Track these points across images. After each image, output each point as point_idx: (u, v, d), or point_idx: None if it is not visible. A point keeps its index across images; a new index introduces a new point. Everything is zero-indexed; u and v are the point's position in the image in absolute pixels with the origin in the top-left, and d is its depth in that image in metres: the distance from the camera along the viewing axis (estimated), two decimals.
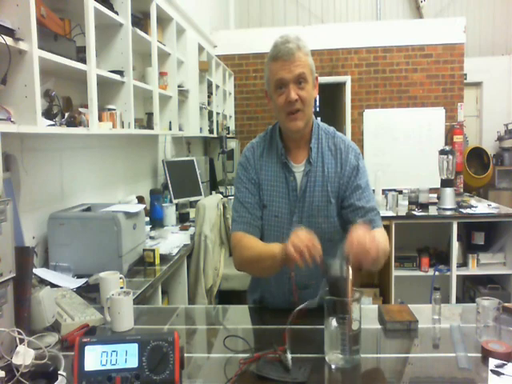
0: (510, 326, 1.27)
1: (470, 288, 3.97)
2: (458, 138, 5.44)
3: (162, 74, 3.15)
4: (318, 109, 8.69)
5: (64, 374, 1.02)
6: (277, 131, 1.50)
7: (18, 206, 1.80)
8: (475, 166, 6.53)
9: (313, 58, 1.41)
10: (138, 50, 2.80)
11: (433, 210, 3.81)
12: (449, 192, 3.78)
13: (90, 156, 2.50)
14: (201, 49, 4.20)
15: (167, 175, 3.37)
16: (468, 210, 3.70)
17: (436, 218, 3.75)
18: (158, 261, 2.13)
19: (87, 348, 0.95)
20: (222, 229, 3.14)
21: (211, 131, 4.56)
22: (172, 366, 0.96)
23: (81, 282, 1.79)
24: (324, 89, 4.77)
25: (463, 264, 3.82)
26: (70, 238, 1.89)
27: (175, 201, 3.32)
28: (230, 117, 5.80)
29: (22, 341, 1.07)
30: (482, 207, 3.79)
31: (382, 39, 5.78)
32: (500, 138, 7.12)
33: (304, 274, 1.45)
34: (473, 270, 3.80)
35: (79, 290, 1.70)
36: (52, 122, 1.71)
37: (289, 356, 1.05)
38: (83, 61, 1.88)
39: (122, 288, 1.48)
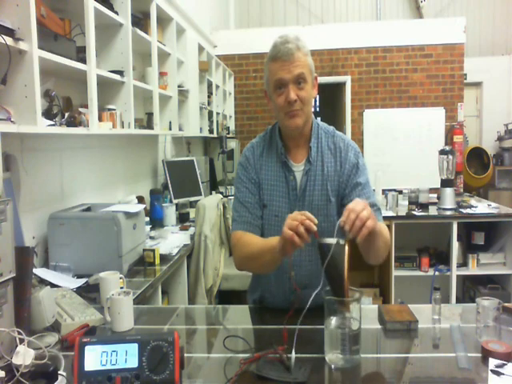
0: (510, 325, 1.27)
1: (470, 288, 3.97)
2: (457, 138, 5.44)
3: (161, 74, 3.15)
4: (317, 109, 8.70)
5: (64, 373, 1.02)
6: (276, 131, 1.50)
7: (18, 205, 1.80)
8: (475, 166, 6.53)
9: (313, 58, 1.42)
10: (138, 50, 2.80)
11: (433, 210, 3.81)
12: (449, 192, 3.78)
13: (89, 156, 2.50)
14: (201, 49, 4.20)
15: (167, 175, 3.37)
16: (468, 210, 3.70)
17: (436, 218, 3.75)
18: (157, 261, 2.13)
19: (87, 348, 0.95)
20: (222, 229, 3.14)
21: (211, 131, 4.56)
22: (172, 366, 0.96)
23: (81, 281, 1.79)
24: (324, 89, 4.78)
25: (463, 264, 3.82)
26: (70, 238, 1.89)
27: (175, 201, 3.32)
28: (230, 117, 5.80)
29: (21, 341, 1.07)
30: (481, 207, 3.80)
31: (382, 39, 5.78)
32: (500, 138, 7.12)
33: (304, 274, 1.45)
34: (473, 269, 3.80)
35: (79, 290, 1.70)
36: (52, 122, 1.71)
37: (293, 355, 1.05)
38: (83, 61, 1.88)
39: (122, 288, 1.48)
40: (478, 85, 7.30)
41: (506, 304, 1.35)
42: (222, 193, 4.22)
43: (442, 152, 3.83)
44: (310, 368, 1.05)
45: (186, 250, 2.54)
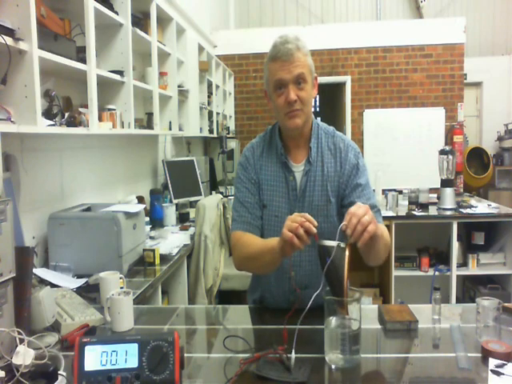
0: (510, 326, 1.27)
1: (470, 288, 3.97)
2: (458, 138, 5.44)
3: (161, 74, 3.15)
4: (317, 109, 8.70)
5: (64, 373, 1.02)
6: (276, 131, 1.50)
7: (18, 205, 1.80)
8: (475, 166, 6.53)
9: (313, 58, 1.42)
10: (138, 49, 2.80)
11: (433, 210, 3.81)
12: (449, 192, 3.78)
13: (89, 156, 2.50)
14: (201, 49, 4.20)
15: (167, 175, 3.37)
16: (468, 210, 3.70)
17: (436, 218, 3.75)
18: (158, 261, 2.13)
19: (87, 348, 0.95)
20: (222, 229, 3.14)
21: (211, 131, 4.56)
22: (172, 366, 0.96)
23: (81, 281, 1.79)
24: (324, 89, 4.78)
25: (463, 264, 3.82)
26: (70, 238, 1.89)
27: (175, 201, 3.32)
28: (230, 117, 5.80)
29: (22, 341, 1.07)
30: (481, 207, 3.80)
31: (382, 39, 5.78)
32: (500, 138, 7.12)
33: (304, 274, 1.45)
34: (473, 269, 3.80)
35: (79, 290, 1.70)
36: (52, 122, 1.71)
37: (293, 355, 1.05)
38: (83, 61, 1.88)
39: (122, 288, 1.48)
40: (478, 85, 7.30)
41: (506, 304, 1.35)
42: (222, 193, 4.22)
43: (442, 152, 3.83)
44: (310, 368, 1.05)
45: (186, 250, 2.54)
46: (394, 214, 3.77)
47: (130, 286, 1.73)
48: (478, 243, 3.87)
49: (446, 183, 3.80)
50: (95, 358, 0.95)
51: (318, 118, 1.56)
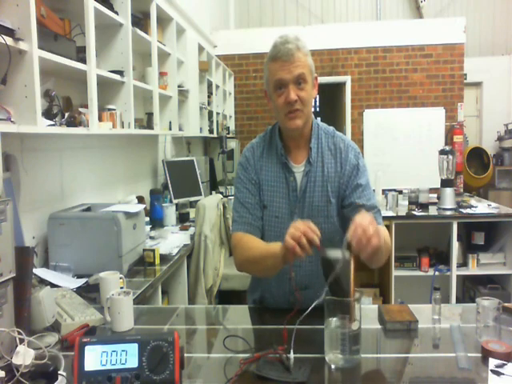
0: (510, 326, 1.27)
1: (470, 288, 3.97)
2: (457, 138, 5.44)
3: (161, 74, 3.15)
4: (317, 109, 8.70)
5: (64, 373, 1.02)
6: (276, 131, 1.50)
7: (18, 205, 1.80)
8: (475, 166, 6.53)
9: (313, 58, 1.41)
10: (138, 49, 2.80)
11: (433, 210, 3.81)
12: (449, 192, 3.78)
13: (89, 156, 2.50)
14: (201, 49, 4.20)
15: (167, 175, 3.37)
16: (468, 210, 3.70)
17: (436, 218, 3.75)
18: (158, 261, 2.13)
19: (87, 348, 0.95)
20: (222, 229, 3.14)
21: (211, 131, 4.56)
22: (172, 366, 0.96)
23: (81, 281, 1.79)
24: (324, 89, 4.78)
25: (463, 264, 3.82)
26: (70, 238, 1.89)
27: (175, 201, 3.32)
28: (230, 117, 5.80)
29: (22, 341, 1.07)
30: (481, 207, 3.80)
31: (382, 39, 5.78)
32: (500, 138, 7.12)
33: (304, 274, 1.45)
34: (473, 269, 3.80)
35: (79, 290, 1.70)
36: (52, 122, 1.71)
37: (291, 356, 1.05)
38: (83, 61, 1.88)
39: (122, 288, 1.48)
40: (478, 85, 7.30)
41: (506, 304, 1.35)
42: (222, 193, 4.22)
43: (442, 152, 3.83)
44: (310, 368, 1.05)
45: (186, 250, 2.54)
46: (394, 214, 3.77)
47: (130, 286, 1.72)
48: (478, 243, 3.87)
49: (445, 183, 3.80)
50: (95, 357, 0.95)
51: (318, 118, 1.56)
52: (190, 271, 2.71)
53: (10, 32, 1.40)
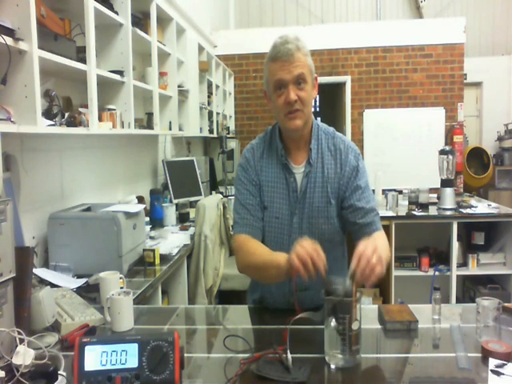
0: (510, 326, 1.27)
1: (470, 288, 3.97)
2: (457, 138, 5.44)
3: (161, 74, 3.15)
4: (317, 109, 8.70)
5: (64, 373, 1.02)
6: (276, 132, 1.50)
7: (18, 205, 1.80)
8: (475, 166, 6.53)
9: (313, 58, 1.41)
10: (138, 49, 2.80)
11: (433, 210, 3.81)
12: (449, 192, 3.78)
13: (89, 156, 2.50)
14: (201, 49, 4.20)
15: (167, 175, 3.37)
16: (468, 210, 3.70)
17: (436, 218, 3.75)
18: (158, 261, 2.13)
19: (87, 348, 0.95)
20: (222, 229, 3.14)
21: (211, 131, 4.56)
22: (172, 366, 0.96)
23: (81, 281, 1.79)
24: (324, 89, 4.78)
25: (463, 264, 3.82)
26: (69, 238, 1.89)
27: (175, 201, 3.32)
28: (230, 117, 5.80)
29: (22, 341, 1.07)
30: (481, 207, 3.80)
31: (382, 39, 5.78)
32: (500, 138, 7.12)
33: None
34: (473, 270, 3.80)
35: (79, 290, 1.70)
36: (52, 122, 1.71)
37: (289, 356, 1.05)
38: (83, 61, 1.88)
39: (122, 288, 1.48)
40: (478, 85, 7.30)
41: (506, 304, 1.35)
42: (222, 193, 4.22)
43: (442, 152, 3.83)
44: (310, 368, 1.05)
45: (186, 250, 2.54)
46: (394, 214, 3.77)
47: (129, 286, 1.73)
48: (478, 243, 3.87)
49: (445, 183, 3.80)
50: (95, 358, 0.95)
51: (318, 118, 1.57)
52: (190, 271, 2.71)
53: (10, 32, 1.40)
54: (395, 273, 3.78)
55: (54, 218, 1.92)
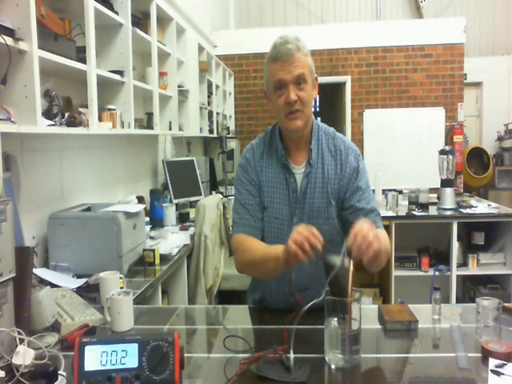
0: (510, 326, 1.27)
1: (470, 288, 3.97)
2: (458, 138, 5.44)
3: (161, 74, 3.15)
4: (317, 109, 8.70)
5: (64, 373, 1.02)
6: (276, 132, 1.50)
7: (18, 205, 1.80)
8: (475, 166, 6.53)
9: (313, 58, 1.41)
10: (138, 49, 2.80)
11: (433, 210, 3.81)
12: (449, 192, 3.78)
13: (89, 156, 2.50)
14: (201, 49, 4.20)
15: (167, 175, 3.37)
16: (468, 210, 3.70)
17: (436, 218, 3.75)
18: (157, 261, 2.13)
19: (87, 348, 0.95)
20: (222, 229, 3.14)
21: (211, 131, 4.56)
22: (172, 366, 0.96)
23: (81, 281, 1.79)
24: (324, 89, 4.77)
25: (463, 264, 3.82)
26: (69, 238, 1.89)
27: (175, 201, 3.32)
28: (230, 117, 5.80)
29: (22, 341, 1.07)
30: (481, 207, 3.80)
31: (382, 39, 5.78)
32: (500, 138, 7.12)
33: (305, 276, 1.45)
34: (473, 269, 3.80)
35: (79, 290, 1.70)
36: (52, 122, 1.71)
37: (291, 356, 1.05)
38: (83, 61, 1.88)
39: (122, 288, 1.48)
40: (478, 85, 7.30)
41: (506, 304, 1.35)
42: (221, 193, 4.22)
43: (442, 152, 3.83)
44: (310, 368, 1.05)
45: (186, 250, 2.54)
46: (394, 214, 3.76)
47: (129, 286, 1.73)
48: (478, 243, 3.87)
49: (445, 183, 3.80)
50: (95, 357, 0.95)
51: (318, 118, 1.57)
52: (190, 271, 2.71)
53: (10, 32, 1.40)
54: (395, 273, 3.78)
55: (54, 217, 1.92)
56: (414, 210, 3.79)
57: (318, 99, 8.64)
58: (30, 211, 1.90)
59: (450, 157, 3.76)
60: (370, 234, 1.10)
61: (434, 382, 1.06)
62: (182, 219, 3.14)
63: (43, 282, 1.63)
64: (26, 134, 1.72)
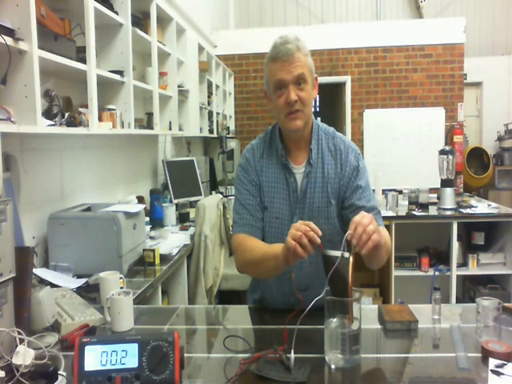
0: (510, 326, 1.27)
1: (470, 288, 3.97)
2: (458, 138, 5.44)
3: (161, 74, 3.15)
4: (317, 109, 8.70)
5: (64, 373, 1.02)
6: (276, 132, 1.50)
7: (18, 205, 1.80)
8: (475, 166, 6.53)
9: (313, 58, 1.41)
10: (138, 49, 2.80)
11: (433, 210, 3.81)
12: (449, 192, 3.78)
13: (89, 156, 2.50)
14: (201, 49, 4.20)
15: (167, 175, 3.37)
16: (468, 210, 3.70)
17: (436, 218, 3.75)
18: (158, 261, 2.13)
19: (87, 348, 0.95)
20: (222, 229, 3.14)
21: (211, 131, 4.56)
22: (172, 366, 0.96)
23: (81, 281, 1.79)
24: (324, 89, 4.78)
25: (463, 264, 3.82)
26: (69, 238, 1.89)
27: (175, 201, 3.32)
28: (230, 117, 5.80)
29: (22, 341, 1.07)
30: (481, 207, 3.80)
31: (382, 39, 5.78)
32: (500, 138, 7.12)
33: (305, 275, 1.45)
34: (473, 269, 3.80)
35: (79, 290, 1.70)
36: (52, 122, 1.71)
37: (292, 356, 1.05)
38: (83, 61, 1.88)
39: (122, 288, 1.48)
40: (478, 85, 7.30)
41: (506, 304, 1.35)
42: (221, 193, 4.22)
43: (442, 152, 3.83)
44: (310, 368, 1.05)
45: (186, 250, 2.54)
46: (394, 214, 3.77)
47: (129, 286, 1.73)
48: (478, 243, 3.87)
49: (445, 183, 3.80)
50: (95, 357, 0.95)
51: (318, 118, 1.57)
52: (190, 271, 2.71)
53: (10, 32, 1.40)
54: (395, 273, 3.78)
55: (54, 217, 1.92)
56: (413, 210, 3.79)
57: (318, 99, 8.64)
58: (29, 211, 1.90)
59: (450, 157, 3.76)
60: (370, 226, 1.10)
61: (433, 381, 1.06)
62: (182, 219, 3.14)
63: (43, 282, 1.63)
64: (26, 134, 1.72)
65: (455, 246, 3.68)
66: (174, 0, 3.47)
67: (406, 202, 3.92)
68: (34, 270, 1.66)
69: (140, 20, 2.71)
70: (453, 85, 5.72)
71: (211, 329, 1.45)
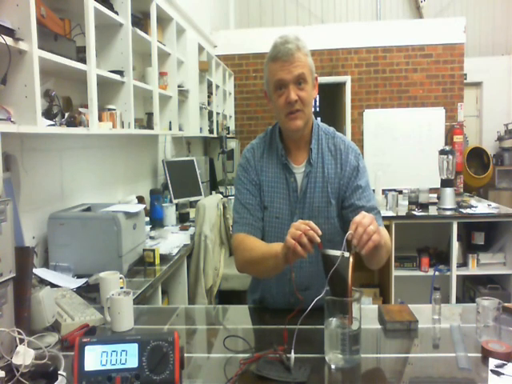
0: (510, 326, 1.27)
1: (470, 288, 3.97)
2: (458, 138, 5.44)
3: (161, 74, 3.15)
4: (317, 109, 8.70)
5: (64, 373, 1.02)
6: (277, 132, 1.50)
7: (18, 205, 1.80)
8: (475, 166, 6.53)
9: (313, 58, 1.41)
10: (138, 50, 2.80)
11: (433, 210, 3.81)
12: (449, 192, 3.78)
13: (89, 156, 2.50)
14: (201, 49, 4.20)
15: (167, 175, 3.37)
16: (468, 210, 3.70)
17: (436, 218, 3.75)
18: (158, 261, 2.13)
19: (87, 348, 0.95)
20: (222, 229, 3.14)
21: (211, 131, 4.56)
22: (172, 366, 0.96)
23: (81, 281, 1.79)
24: (324, 89, 4.78)
25: (463, 264, 3.82)
26: (69, 238, 1.89)
27: (175, 201, 3.32)
28: (230, 117, 5.80)
29: (22, 341, 1.07)
30: (481, 207, 3.80)
31: (382, 39, 5.78)
32: (500, 138, 7.12)
33: (305, 275, 1.45)
34: (473, 270, 3.80)
35: (79, 290, 1.70)
36: (52, 122, 1.71)
37: (292, 356, 1.05)
38: (83, 61, 1.88)
39: (122, 288, 1.48)
40: (478, 85, 7.30)
41: (506, 304, 1.35)
42: (222, 193, 4.22)
43: (442, 152, 3.83)
44: (310, 368, 1.05)
45: (186, 250, 2.54)
46: (394, 214, 3.77)
47: (129, 286, 1.73)
48: (478, 243, 3.87)
49: (445, 183, 3.80)
50: (95, 358, 0.95)
51: (318, 118, 1.57)
52: (190, 271, 2.71)
53: (10, 32, 1.40)
54: (395, 273, 3.78)
55: (54, 218, 1.92)
56: (413, 210, 3.79)
57: (318, 99, 8.65)
58: (29, 211, 1.90)
59: (450, 157, 3.76)
60: (370, 227, 1.10)
61: (433, 381, 1.06)
62: (182, 219, 3.14)
63: (43, 282, 1.63)
64: (26, 134, 1.72)
65: (455, 246, 3.68)
66: (173, 0, 3.47)
67: (406, 202, 3.92)
68: (34, 270, 1.66)
69: (140, 20, 2.71)
70: (453, 85, 5.72)
71: (211, 329, 1.45)
